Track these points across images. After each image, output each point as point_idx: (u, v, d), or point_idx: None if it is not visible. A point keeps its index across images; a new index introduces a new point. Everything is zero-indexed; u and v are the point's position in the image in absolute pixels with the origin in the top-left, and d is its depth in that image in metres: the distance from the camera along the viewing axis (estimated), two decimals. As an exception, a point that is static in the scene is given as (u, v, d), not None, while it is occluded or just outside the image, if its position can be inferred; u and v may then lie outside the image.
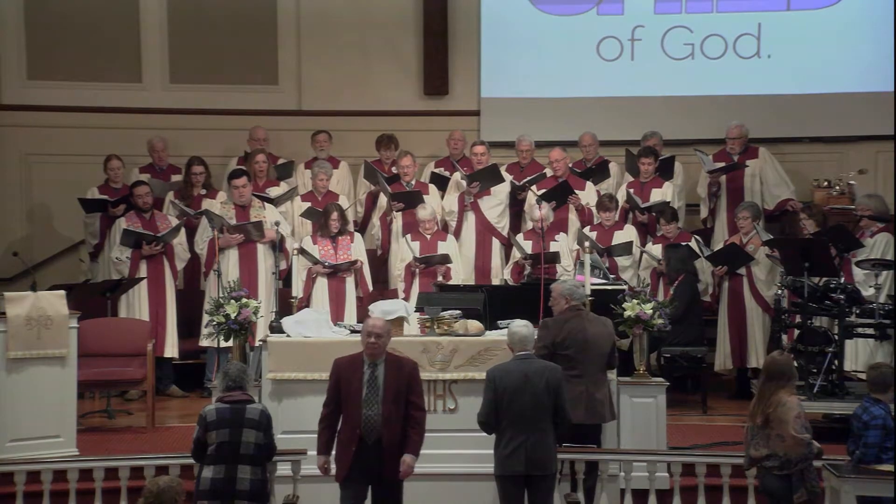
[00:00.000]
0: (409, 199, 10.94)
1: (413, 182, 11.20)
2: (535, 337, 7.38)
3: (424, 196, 10.99)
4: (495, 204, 11.23)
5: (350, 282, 10.46)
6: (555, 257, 10.42)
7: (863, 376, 9.49)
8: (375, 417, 6.86)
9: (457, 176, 11.29)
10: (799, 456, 6.59)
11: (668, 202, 11.00)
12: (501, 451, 6.90)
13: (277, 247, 10.38)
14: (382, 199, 11.25)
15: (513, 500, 6.93)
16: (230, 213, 10.55)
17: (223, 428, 6.65)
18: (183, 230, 10.83)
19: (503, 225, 11.25)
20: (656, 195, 11.13)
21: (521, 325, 7.12)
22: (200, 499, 6.60)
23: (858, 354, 9.63)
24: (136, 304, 10.56)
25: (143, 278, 10.54)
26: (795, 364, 9.01)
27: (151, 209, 10.80)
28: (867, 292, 9.33)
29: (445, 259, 10.48)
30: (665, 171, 11.39)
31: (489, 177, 11.11)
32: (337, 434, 6.98)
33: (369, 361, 6.96)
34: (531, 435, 6.84)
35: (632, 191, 11.14)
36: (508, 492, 6.93)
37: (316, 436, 7.02)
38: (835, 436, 8.20)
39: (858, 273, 9.55)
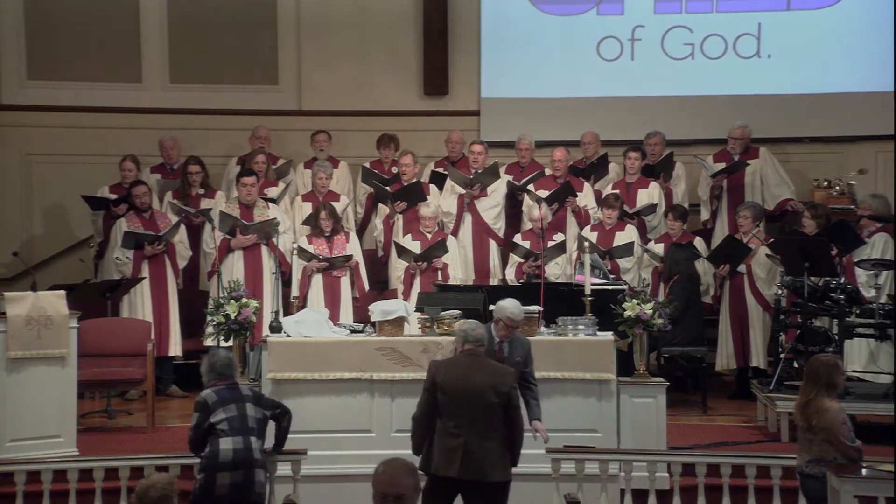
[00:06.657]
0: (411, 195, 10.90)
1: (413, 181, 11.18)
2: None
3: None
4: (492, 205, 11.20)
5: (345, 281, 10.43)
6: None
7: (864, 377, 9.52)
8: None
9: (453, 185, 11.25)
10: (848, 461, 6.61)
11: (656, 204, 10.99)
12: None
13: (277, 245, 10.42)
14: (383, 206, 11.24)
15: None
16: (235, 212, 10.55)
17: (229, 404, 6.74)
18: (183, 228, 10.82)
19: (499, 227, 11.23)
20: (642, 196, 11.13)
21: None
22: (221, 470, 6.56)
23: (861, 355, 9.62)
24: (138, 304, 10.55)
25: (143, 278, 10.52)
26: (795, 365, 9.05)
27: (150, 209, 10.79)
28: (869, 294, 9.31)
29: (441, 246, 10.39)
30: (665, 169, 11.39)
31: (489, 176, 11.10)
32: None
33: None
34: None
35: (617, 191, 11.09)
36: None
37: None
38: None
39: (861, 274, 9.53)
